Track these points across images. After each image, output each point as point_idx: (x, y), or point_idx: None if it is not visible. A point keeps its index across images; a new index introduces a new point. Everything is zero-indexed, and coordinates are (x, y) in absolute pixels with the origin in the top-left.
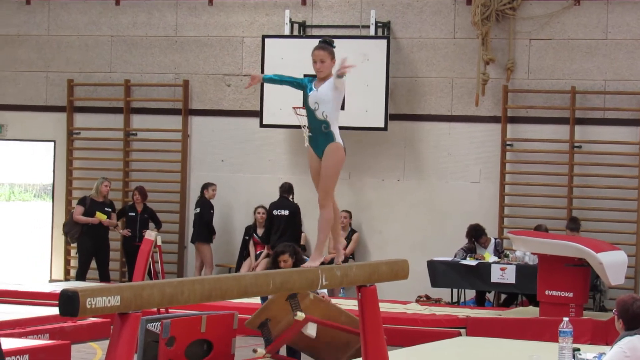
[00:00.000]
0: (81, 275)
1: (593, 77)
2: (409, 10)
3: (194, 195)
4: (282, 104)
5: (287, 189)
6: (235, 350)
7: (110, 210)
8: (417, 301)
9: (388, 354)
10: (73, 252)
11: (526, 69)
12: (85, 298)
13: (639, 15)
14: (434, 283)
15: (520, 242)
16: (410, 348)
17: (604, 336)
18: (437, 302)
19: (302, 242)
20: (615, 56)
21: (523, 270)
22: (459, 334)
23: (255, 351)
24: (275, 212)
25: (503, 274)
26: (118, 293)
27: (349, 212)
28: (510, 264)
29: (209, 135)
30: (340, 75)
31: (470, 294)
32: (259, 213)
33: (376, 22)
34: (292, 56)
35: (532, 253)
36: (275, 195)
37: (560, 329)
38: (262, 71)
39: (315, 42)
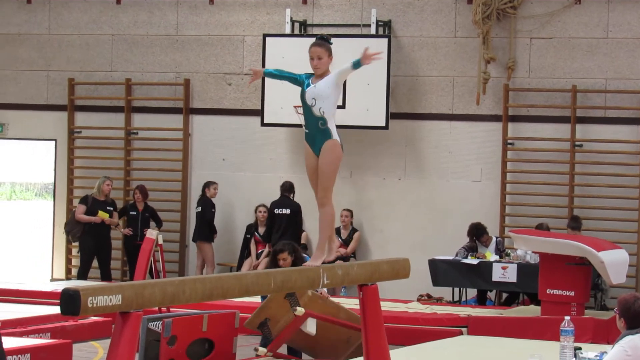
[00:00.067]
0: (83, 275)
1: (594, 75)
2: (409, 9)
3: (195, 194)
4: (283, 103)
5: (288, 188)
6: (236, 349)
7: (112, 209)
8: (418, 300)
9: (389, 353)
10: (74, 251)
11: (527, 68)
12: (87, 297)
13: None
14: (435, 282)
15: (522, 241)
16: (411, 347)
17: (606, 335)
18: (439, 301)
19: (303, 241)
20: (616, 55)
21: (524, 269)
22: (461, 333)
23: (256, 350)
24: (276, 211)
25: (504, 272)
26: (119, 292)
27: (350, 211)
28: (512, 262)
29: (210, 134)
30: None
31: (472, 292)
32: (260, 212)
33: (377, 21)
34: (293, 55)
35: (533, 252)
36: (276, 194)
37: (561, 328)
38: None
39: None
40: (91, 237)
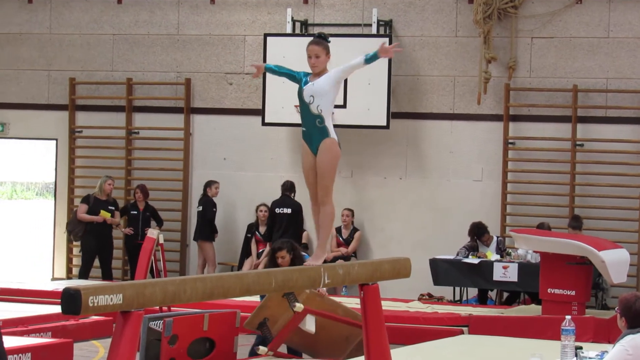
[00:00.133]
0: (84, 274)
1: (595, 75)
2: (410, 9)
3: (196, 193)
4: (284, 103)
5: (289, 187)
6: (237, 348)
7: (113, 208)
8: (419, 299)
9: (390, 353)
10: (75, 251)
11: (528, 68)
12: (88, 296)
13: None
14: (436, 281)
15: (523, 241)
16: (412, 346)
17: (606, 334)
18: (440, 300)
19: (304, 240)
20: (617, 54)
21: (525, 268)
22: (462, 332)
23: (257, 349)
24: (277, 210)
25: (505, 272)
26: (120, 291)
27: (352, 211)
28: (513, 262)
29: (211, 134)
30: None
31: (473, 292)
32: (261, 211)
33: (378, 21)
34: (294, 55)
35: (534, 251)
36: (277, 194)
37: (562, 327)
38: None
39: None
40: (93, 237)
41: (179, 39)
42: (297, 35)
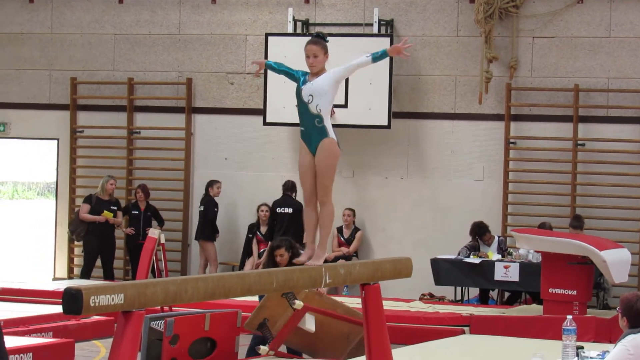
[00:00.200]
0: (86, 274)
1: (596, 75)
2: (412, 8)
3: (197, 193)
4: (285, 102)
5: (290, 187)
6: (238, 348)
7: (116, 208)
8: (420, 299)
9: (392, 352)
10: (77, 251)
11: (529, 67)
12: (89, 296)
13: None
14: (438, 281)
15: (524, 240)
16: (413, 346)
17: (608, 334)
18: (441, 300)
19: (304, 240)
20: (618, 54)
21: (527, 268)
22: (463, 332)
23: (258, 349)
24: (278, 210)
25: (507, 271)
26: (122, 291)
27: (353, 210)
28: (514, 261)
29: (212, 134)
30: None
31: (474, 291)
32: (262, 211)
33: (379, 20)
34: (296, 54)
35: (535, 251)
36: (278, 193)
37: (563, 327)
38: (265, 70)
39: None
40: (95, 237)
41: (180, 38)
42: (299, 35)
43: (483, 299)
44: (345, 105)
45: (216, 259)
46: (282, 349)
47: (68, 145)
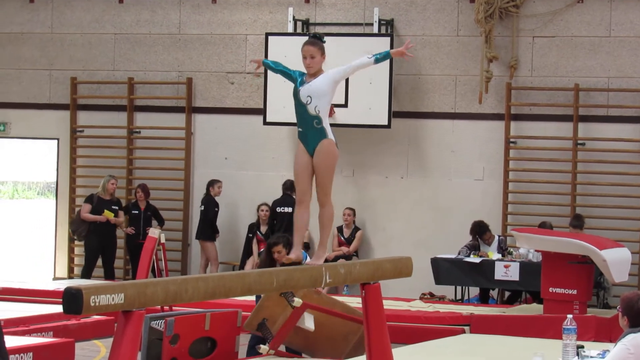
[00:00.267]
0: (87, 274)
1: (596, 74)
2: (412, 8)
3: (197, 192)
4: (285, 102)
5: (290, 186)
6: (239, 347)
7: (117, 208)
8: (421, 298)
9: (392, 352)
10: (77, 250)
11: (529, 67)
12: (89, 296)
13: None
14: (438, 280)
15: (524, 240)
16: (414, 345)
17: (608, 333)
18: (441, 299)
19: (305, 240)
20: (618, 53)
21: (527, 267)
22: (463, 332)
23: (259, 348)
24: (278, 210)
25: (507, 271)
26: (122, 291)
27: (353, 210)
28: (514, 261)
29: (212, 133)
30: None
31: (474, 291)
32: (262, 210)
33: (379, 20)
34: (296, 54)
35: (535, 250)
36: (278, 193)
37: (564, 326)
38: (265, 70)
39: None
40: (96, 236)
41: (181, 38)
42: (299, 34)
43: (483, 299)
44: (345, 105)
45: (217, 258)
46: (282, 348)
47: (68, 145)
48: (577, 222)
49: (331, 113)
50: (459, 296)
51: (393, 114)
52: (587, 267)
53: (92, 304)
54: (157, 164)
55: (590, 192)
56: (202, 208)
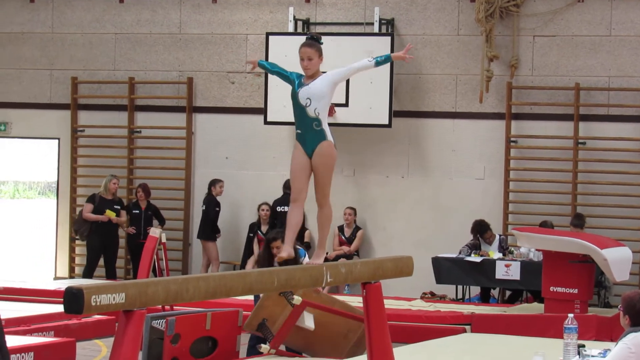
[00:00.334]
0: (88, 273)
1: (597, 73)
2: (412, 7)
3: (198, 192)
4: (285, 101)
5: (290, 186)
6: (240, 347)
7: (119, 207)
8: (421, 298)
9: (393, 351)
10: (78, 250)
11: (530, 66)
12: (90, 295)
13: None
14: (439, 280)
15: (525, 239)
16: (415, 345)
17: (609, 332)
18: (442, 298)
19: (306, 239)
20: (619, 53)
21: (528, 266)
22: (464, 331)
23: (259, 347)
24: (279, 209)
25: (508, 270)
26: (123, 290)
27: (354, 209)
28: (515, 260)
29: (213, 133)
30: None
31: (475, 290)
32: (262, 210)
33: (380, 19)
34: (296, 54)
35: (536, 249)
36: (279, 192)
37: (565, 326)
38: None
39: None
40: (98, 236)
41: (181, 38)
42: (299, 34)
43: (484, 298)
44: (346, 104)
45: (217, 258)
46: (282, 348)
47: (69, 145)
48: (578, 221)
49: (332, 112)
50: (459, 295)
51: (394, 114)
52: (588, 266)
53: (93, 304)
54: (157, 163)
55: (591, 191)
56: (204, 208)
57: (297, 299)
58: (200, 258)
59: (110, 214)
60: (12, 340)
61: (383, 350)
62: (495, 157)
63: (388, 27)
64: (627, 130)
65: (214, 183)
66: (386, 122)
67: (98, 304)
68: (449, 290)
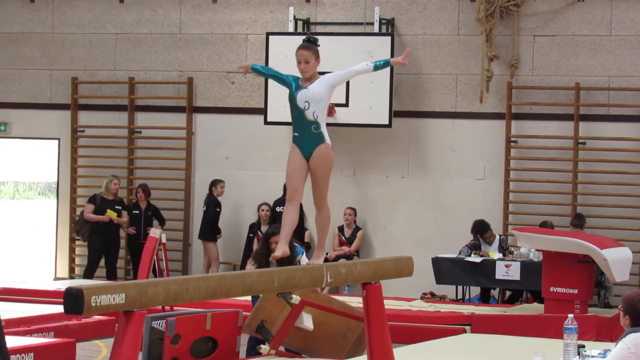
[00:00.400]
0: (89, 274)
1: (597, 73)
2: (413, 7)
3: (198, 192)
4: (286, 102)
5: None
6: (240, 347)
7: (120, 208)
8: (422, 298)
9: (393, 351)
10: (78, 250)
11: (530, 66)
12: (90, 296)
13: None
14: (439, 280)
15: (525, 239)
16: (415, 345)
17: (609, 333)
18: (442, 299)
19: (306, 240)
20: (619, 52)
21: (528, 267)
22: (464, 331)
23: (259, 348)
24: (279, 209)
25: (508, 270)
26: (123, 291)
27: (354, 209)
28: (515, 260)
29: (213, 133)
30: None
31: (475, 290)
32: (263, 210)
33: (380, 19)
34: None
35: (536, 250)
36: (279, 192)
37: (565, 326)
38: None
39: (319, 39)
40: (99, 236)
41: (181, 38)
42: (300, 34)
43: (484, 298)
44: (346, 104)
45: (217, 258)
46: (282, 349)
47: (69, 145)
48: (578, 222)
49: (332, 112)
50: (459, 296)
51: (394, 114)
52: (588, 267)
53: (93, 304)
54: (157, 163)
55: (591, 191)
56: (205, 209)
57: (295, 298)
58: (200, 258)
59: (111, 214)
60: (12, 341)
61: (383, 351)
62: (495, 157)
63: (388, 27)
64: (628, 130)
65: (215, 183)
66: (386, 122)
67: (98, 304)
68: (449, 290)
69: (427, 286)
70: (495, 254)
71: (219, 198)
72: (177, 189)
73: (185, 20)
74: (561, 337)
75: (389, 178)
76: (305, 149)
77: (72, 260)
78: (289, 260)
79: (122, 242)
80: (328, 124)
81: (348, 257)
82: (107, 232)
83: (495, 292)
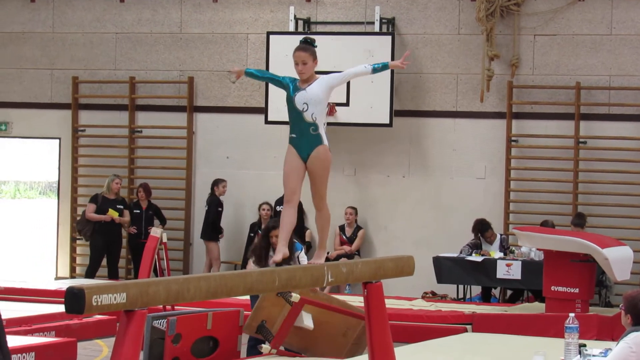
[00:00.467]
0: (91, 273)
1: (598, 72)
2: (413, 7)
3: (199, 192)
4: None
5: None
6: (241, 347)
7: (122, 207)
8: (423, 297)
9: (394, 351)
10: (79, 250)
11: (531, 65)
12: (91, 295)
13: None
14: (440, 279)
15: (526, 238)
16: (416, 344)
17: (610, 332)
18: (443, 298)
19: (307, 239)
20: (620, 52)
21: (529, 266)
22: (465, 330)
23: (260, 348)
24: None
25: (509, 269)
26: (124, 290)
27: (355, 209)
28: (516, 259)
29: (213, 132)
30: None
31: (476, 290)
32: (263, 210)
33: (381, 19)
34: None
35: (537, 249)
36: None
37: (566, 325)
38: (267, 68)
39: (320, 38)
40: (101, 236)
41: (182, 37)
42: (300, 33)
43: (485, 297)
44: (347, 104)
45: (218, 258)
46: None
47: (70, 145)
48: (579, 221)
49: (333, 112)
50: (460, 295)
51: (394, 113)
52: (589, 266)
53: (94, 304)
54: (158, 163)
55: (592, 190)
56: (207, 208)
57: (295, 297)
58: (201, 258)
59: (113, 213)
60: (13, 341)
61: (384, 350)
62: (496, 157)
63: (389, 26)
64: (628, 129)
65: (216, 183)
66: (387, 121)
67: (99, 304)
68: (450, 289)
69: (428, 285)
70: (496, 253)
71: (221, 197)
72: (178, 189)
73: (185, 19)
74: (562, 337)
75: (390, 177)
76: (303, 151)
77: (73, 259)
78: (288, 258)
79: (124, 242)
80: (329, 124)
81: (349, 256)
82: (109, 232)
83: (496, 292)
